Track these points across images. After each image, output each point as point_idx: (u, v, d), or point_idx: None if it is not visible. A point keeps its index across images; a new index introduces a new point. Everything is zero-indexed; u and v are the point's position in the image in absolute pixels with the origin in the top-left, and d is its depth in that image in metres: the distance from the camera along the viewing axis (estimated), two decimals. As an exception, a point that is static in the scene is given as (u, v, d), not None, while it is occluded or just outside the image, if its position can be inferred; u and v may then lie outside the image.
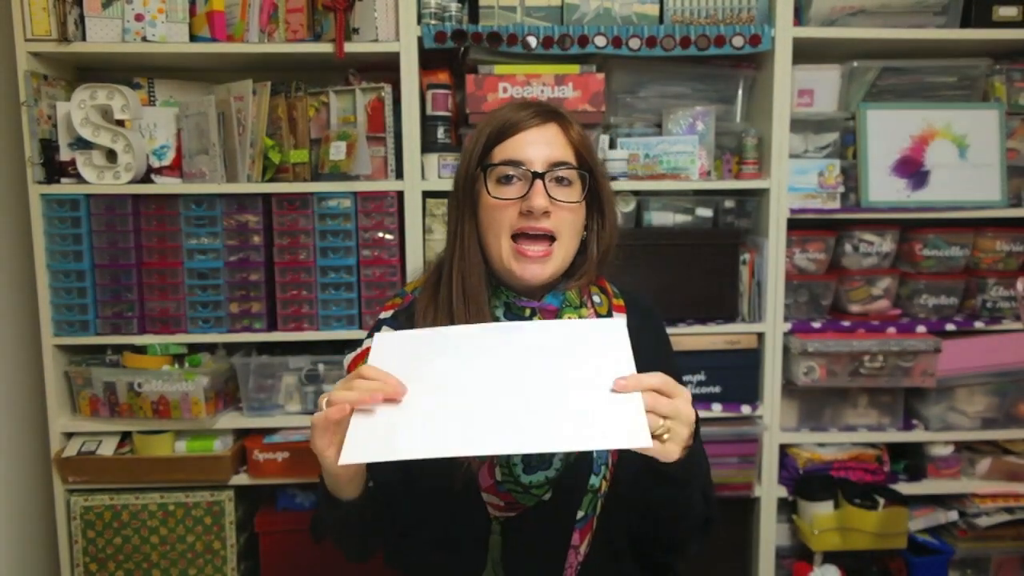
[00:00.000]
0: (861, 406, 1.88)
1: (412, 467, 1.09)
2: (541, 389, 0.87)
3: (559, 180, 1.06)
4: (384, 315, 1.18)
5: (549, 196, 1.04)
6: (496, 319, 1.11)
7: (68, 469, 1.72)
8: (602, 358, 0.90)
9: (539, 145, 1.06)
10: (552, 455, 1.08)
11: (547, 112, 1.08)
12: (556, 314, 1.11)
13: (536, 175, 1.03)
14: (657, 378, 0.87)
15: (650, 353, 1.16)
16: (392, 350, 0.94)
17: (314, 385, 1.76)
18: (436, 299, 1.11)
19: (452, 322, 1.07)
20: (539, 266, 1.05)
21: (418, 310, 1.12)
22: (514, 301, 1.10)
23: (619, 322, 0.95)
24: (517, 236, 1.05)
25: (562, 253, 1.07)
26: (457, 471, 1.00)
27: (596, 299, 1.18)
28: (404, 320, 1.14)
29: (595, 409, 0.84)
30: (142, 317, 1.74)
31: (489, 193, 1.05)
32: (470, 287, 1.07)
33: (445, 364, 0.92)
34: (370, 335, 1.17)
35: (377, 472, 1.00)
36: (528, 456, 1.07)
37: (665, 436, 0.85)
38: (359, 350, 1.17)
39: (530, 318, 1.10)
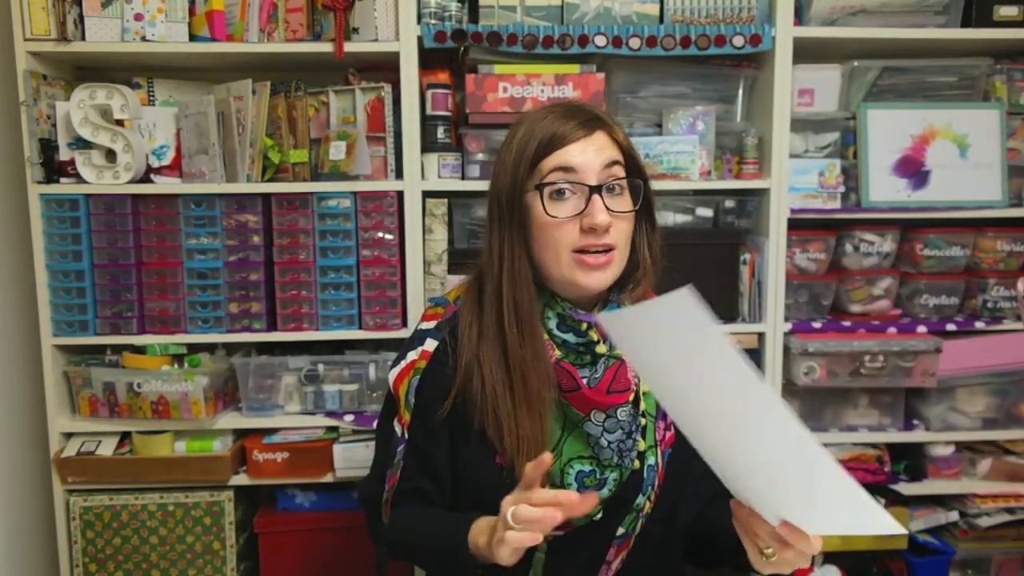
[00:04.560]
0: (862, 406, 1.87)
1: (463, 483, 1.08)
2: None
3: (610, 189, 1.03)
4: (425, 325, 1.16)
5: (607, 209, 1.02)
6: (548, 330, 1.08)
7: (67, 469, 1.72)
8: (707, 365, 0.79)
9: (589, 154, 1.03)
10: (607, 476, 1.08)
11: (591, 121, 1.05)
12: None
13: (593, 189, 1.01)
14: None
15: None
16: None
17: (314, 385, 1.76)
18: (481, 317, 1.08)
19: (503, 343, 1.05)
20: (602, 273, 1.04)
21: (461, 325, 1.10)
22: (570, 313, 1.07)
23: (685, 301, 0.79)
24: (578, 251, 1.03)
25: (620, 259, 1.06)
26: (508, 490, 1.00)
27: None
28: (448, 332, 1.11)
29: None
30: (141, 317, 1.74)
31: (546, 211, 1.02)
32: (522, 309, 1.05)
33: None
34: (410, 346, 1.15)
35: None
36: (582, 475, 1.07)
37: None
38: (403, 364, 1.14)
39: (586, 332, 1.07)
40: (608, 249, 1.03)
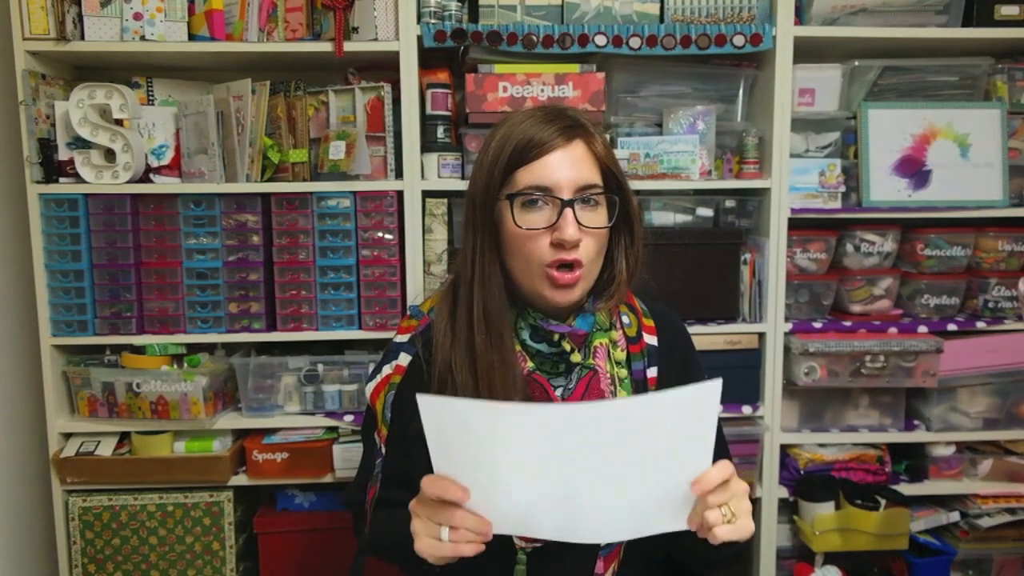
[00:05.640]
0: (862, 406, 1.87)
1: None
2: (608, 481, 0.86)
3: (586, 201, 1.01)
4: (400, 339, 1.15)
5: (579, 223, 1.00)
6: (521, 341, 1.07)
7: (66, 469, 1.71)
8: (680, 440, 0.83)
9: (565, 168, 1.00)
10: None
11: (571, 128, 1.03)
12: (585, 339, 1.08)
13: (566, 203, 0.99)
14: (721, 472, 0.86)
15: (679, 376, 1.15)
16: (442, 421, 0.84)
17: (313, 385, 1.76)
18: (454, 325, 1.07)
19: (472, 351, 1.04)
20: (569, 291, 1.02)
21: (436, 334, 1.08)
22: (541, 324, 1.06)
23: (713, 392, 0.80)
24: (548, 265, 1.01)
25: (588, 275, 1.04)
26: None
27: (625, 319, 1.15)
28: (421, 344, 1.10)
29: (652, 500, 0.87)
30: (141, 317, 1.74)
31: (516, 222, 1.01)
32: (491, 315, 1.03)
33: (509, 447, 0.84)
34: (385, 360, 1.14)
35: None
36: None
37: (730, 519, 0.86)
38: (379, 378, 1.14)
39: (559, 343, 1.06)
40: (576, 266, 1.01)
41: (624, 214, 1.07)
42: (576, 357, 1.07)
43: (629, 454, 0.83)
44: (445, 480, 0.86)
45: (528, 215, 1.01)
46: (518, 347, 1.07)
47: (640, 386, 1.12)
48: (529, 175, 1.01)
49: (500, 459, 0.84)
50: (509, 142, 1.02)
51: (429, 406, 0.82)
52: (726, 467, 0.86)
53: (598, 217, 1.03)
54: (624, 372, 1.11)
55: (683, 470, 0.85)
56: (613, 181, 1.05)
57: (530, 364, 1.07)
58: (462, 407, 0.82)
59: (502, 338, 1.04)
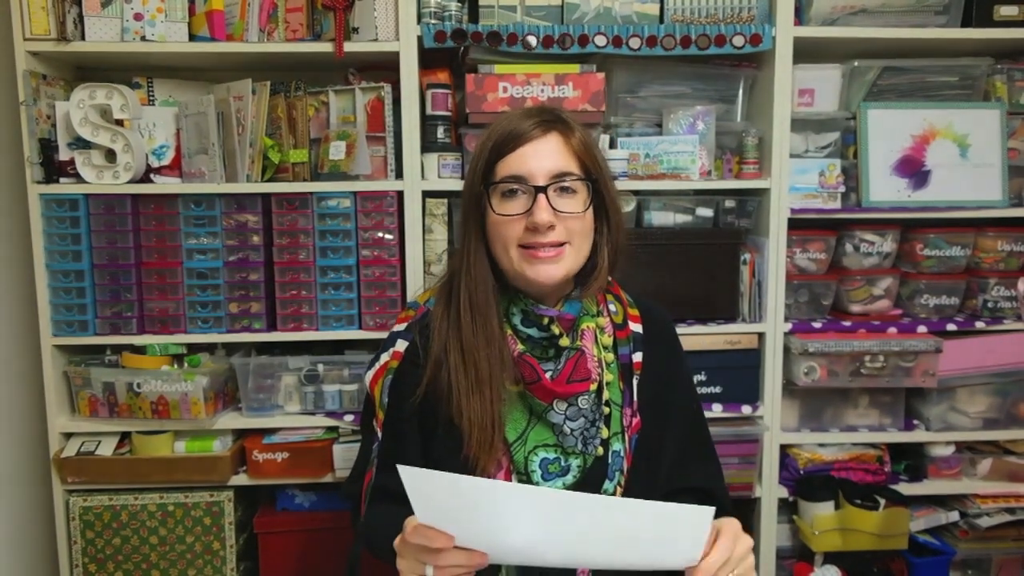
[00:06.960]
0: (862, 406, 1.87)
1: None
2: (599, 546, 0.87)
3: (563, 190, 1.07)
4: (398, 327, 1.20)
5: (553, 209, 1.05)
6: (513, 326, 1.12)
7: (67, 469, 1.72)
8: (671, 537, 0.85)
9: (541, 158, 1.06)
10: (571, 463, 1.10)
11: (548, 121, 1.09)
12: (573, 323, 1.13)
13: (539, 189, 1.04)
14: (721, 554, 0.87)
15: (664, 368, 1.20)
16: (426, 491, 0.85)
17: (313, 385, 1.76)
18: (449, 312, 1.12)
19: (461, 337, 1.08)
20: (552, 265, 1.06)
21: (433, 320, 1.14)
22: (532, 309, 1.10)
23: (704, 516, 0.82)
24: (525, 246, 1.07)
25: (574, 254, 1.09)
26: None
27: (612, 307, 1.20)
28: (418, 332, 1.15)
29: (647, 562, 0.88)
30: (141, 317, 1.74)
31: (494, 210, 1.07)
32: (477, 302, 1.09)
33: (495, 516, 0.85)
34: (384, 348, 1.20)
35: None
36: (546, 463, 1.09)
37: None
38: (378, 365, 1.19)
39: (548, 327, 1.11)
40: (558, 245, 1.06)
41: (602, 201, 1.11)
42: (564, 341, 1.11)
43: (620, 535, 0.85)
44: (429, 530, 0.86)
45: (506, 204, 1.07)
46: (509, 331, 1.12)
47: (626, 370, 1.16)
48: (507, 166, 1.07)
49: (486, 525, 0.85)
50: (491, 138, 1.09)
51: (412, 478, 0.82)
52: (725, 549, 0.87)
53: (575, 204, 1.08)
54: (611, 356, 1.15)
55: (677, 547, 0.86)
56: (589, 171, 1.10)
57: (520, 347, 1.11)
58: (445, 481, 0.82)
59: (487, 320, 1.09)
